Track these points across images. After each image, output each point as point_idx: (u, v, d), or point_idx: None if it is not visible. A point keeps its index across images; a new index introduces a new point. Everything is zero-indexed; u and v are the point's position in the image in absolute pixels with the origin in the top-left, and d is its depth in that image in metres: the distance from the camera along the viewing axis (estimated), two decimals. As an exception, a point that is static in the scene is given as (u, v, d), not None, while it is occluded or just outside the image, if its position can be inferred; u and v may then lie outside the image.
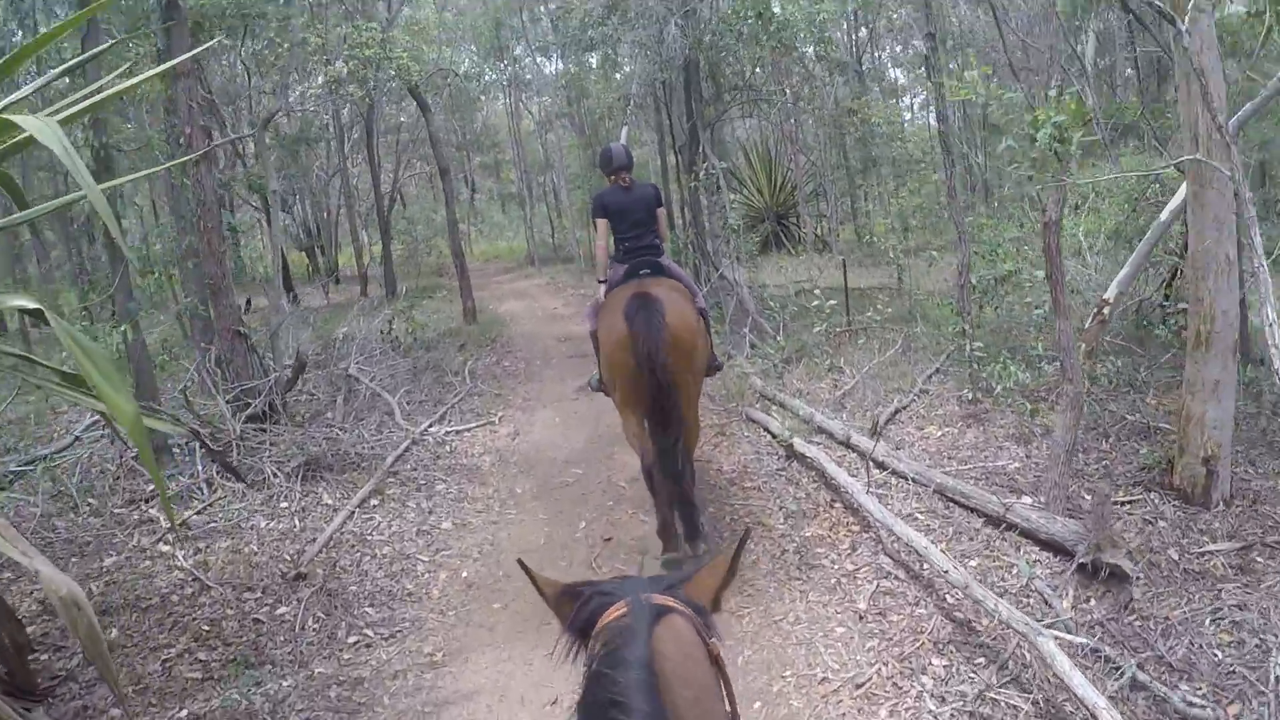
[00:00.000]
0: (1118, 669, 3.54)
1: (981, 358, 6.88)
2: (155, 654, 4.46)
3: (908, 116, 26.60)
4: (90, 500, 6.33)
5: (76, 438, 7.18)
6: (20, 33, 9.71)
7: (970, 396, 6.89)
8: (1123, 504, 4.92)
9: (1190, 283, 4.88)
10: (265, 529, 5.89)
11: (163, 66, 3.83)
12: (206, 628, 4.69)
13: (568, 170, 23.55)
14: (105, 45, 6.46)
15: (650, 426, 4.94)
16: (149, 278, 7.99)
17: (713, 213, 12.53)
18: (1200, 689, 3.47)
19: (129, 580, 5.15)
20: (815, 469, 5.98)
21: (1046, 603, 4.10)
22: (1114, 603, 4.06)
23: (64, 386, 3.53)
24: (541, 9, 22.33)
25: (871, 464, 5.72)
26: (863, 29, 23.05)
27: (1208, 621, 3.87)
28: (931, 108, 27.55)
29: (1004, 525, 4.81)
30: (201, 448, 6.35)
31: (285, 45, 11.30)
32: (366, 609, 4.90)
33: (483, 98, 25.69)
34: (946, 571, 4.03)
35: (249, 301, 16.57)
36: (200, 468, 6.46)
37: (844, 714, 3.62)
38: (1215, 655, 3.66)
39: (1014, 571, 4.42)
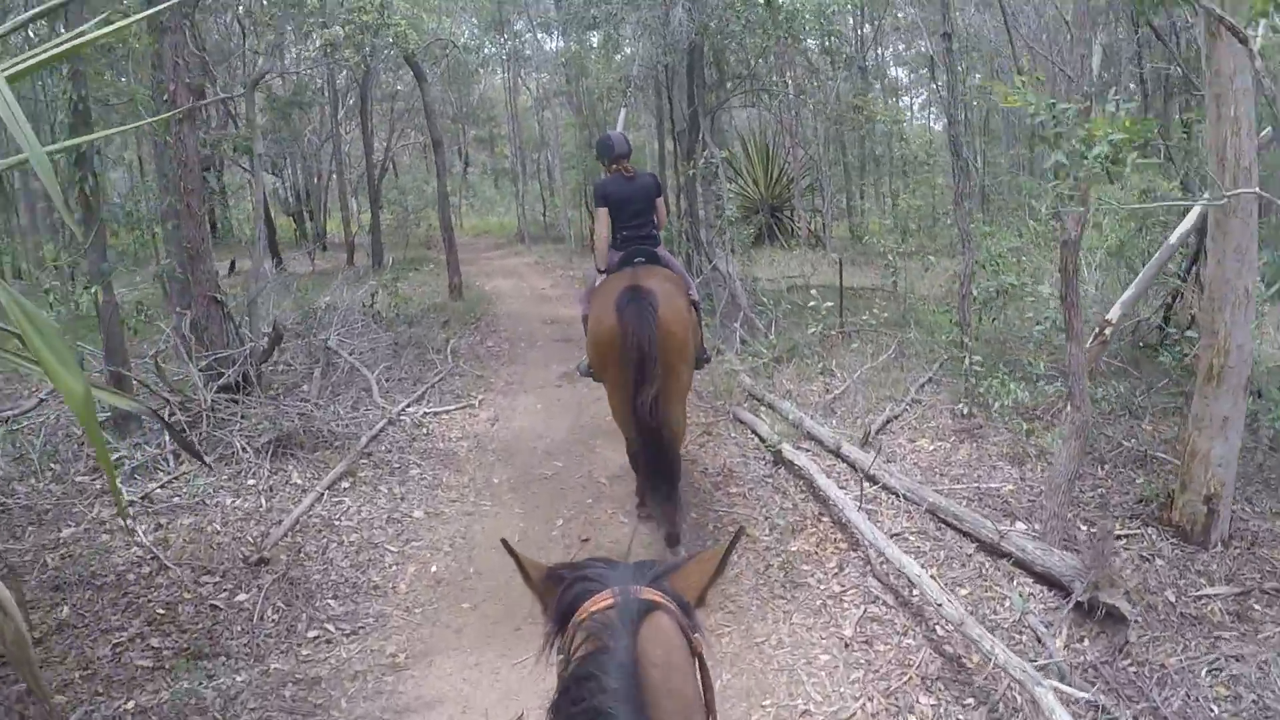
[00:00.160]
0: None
1: (979, 372, 6.71)
2: (106, 637, 4.25)
3: (907, 116, 26.43)
4: (53, 466, 6.11)
5: (42, 399, 6.92)
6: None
7: (965, 411, 6.72)
8: (1120, 538, 4.77)
9: (1205, 313, 4.71)
10: (230, 507, 5.67)
11: (136, 16, 3.57)
12: (162, 611, 4.48)
13: (563, 149, 23.25)
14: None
15: (637, 419, 4.88)
16: (134, 234, 7.74)
17: (708, 202, 12.34)
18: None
19: (85, 555, 4.94)
20: (804, 478, 5.79)
21: (1039, 640, 3.94)
22: (1109, 645, 3.89)
23: (19, 356, 3.28)
24: (546, -16, 22.08)
25: (863, 477, 5.54)
26: (867, 25, 22.82)
27: (1204, 672, 3.71)
28: (932, 108, 27.55)
29: (997, 553, 4.65)
30: (159, 424, 6.12)
31: (275, 4, 10.97)
32: (329, 601, 4.69)
33: (481, 71, 25.34)
34: (940, 605, 3.85)
35: (233, 264, 16.29)
36: (167, 439, 6.22)
37: (825, 750, 3.45)
38: (1211, 710, 3.50)
39: (1006, 604, 4.26)
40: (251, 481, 6.00)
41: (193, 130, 6.77)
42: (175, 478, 5.96)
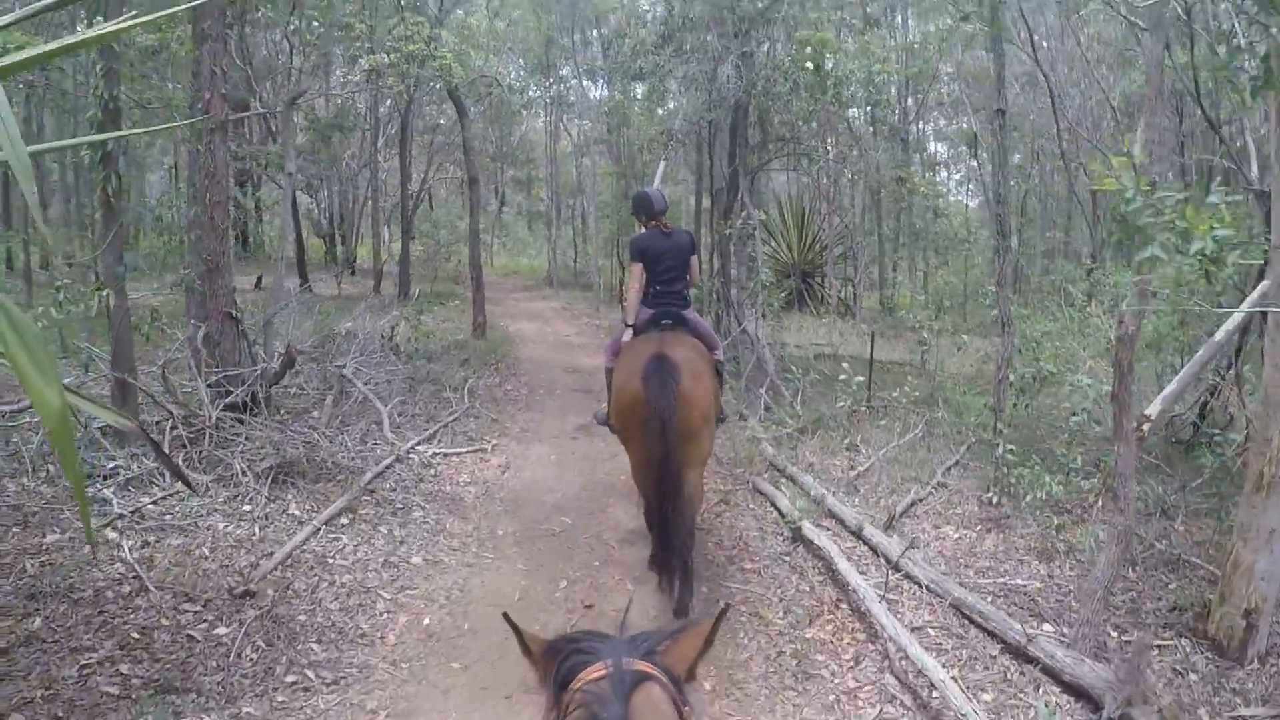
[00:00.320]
0: None
1: (1011, 460, 6.43)
2: (75, 656, 4.00)
3: (945, 191, 26.33)
4: (48, 466, 5.91)
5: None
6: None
7: (994, 500, 6.43)
8: (1152, 648, 4.47)
9: (1259, 419, 4.45)
10: (222, 532, 5.44)
11: (151, 16, 3.42)
12: (136, 636, 4.23)
13: (599, 197, 23.22)
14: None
15: (653, 485, 4.87)
16: (163, 239, 7.65)
17: (741, 263, 12.18)
18: None
19: (66, 564, 4.70)
20: (823, 559, 5.50)
21: (1068, 761, 3.64)
22: (1142, 769, 3.59)
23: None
24: (594, 33, 22.23)
25: (888, 567, 5.27)
26: (910, 98, 22.83)
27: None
28: (970, 185, 27.43)
29: (1024, 657, 4.35)
30: (147, 444, 5.91)
31: (320, 24, 10.97)
32: (312, 644, 4.42)
33: (523, 112, 25.51)
34: (966, 716, 3.55)
35: (260, 279, 16.25)
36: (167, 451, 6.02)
37: None
38: None
39: (1031, 714, 3.96)
40: (247, 507, 5.78)
41: (224, 142, 6.65)
42: (169, 495, 5.75)
